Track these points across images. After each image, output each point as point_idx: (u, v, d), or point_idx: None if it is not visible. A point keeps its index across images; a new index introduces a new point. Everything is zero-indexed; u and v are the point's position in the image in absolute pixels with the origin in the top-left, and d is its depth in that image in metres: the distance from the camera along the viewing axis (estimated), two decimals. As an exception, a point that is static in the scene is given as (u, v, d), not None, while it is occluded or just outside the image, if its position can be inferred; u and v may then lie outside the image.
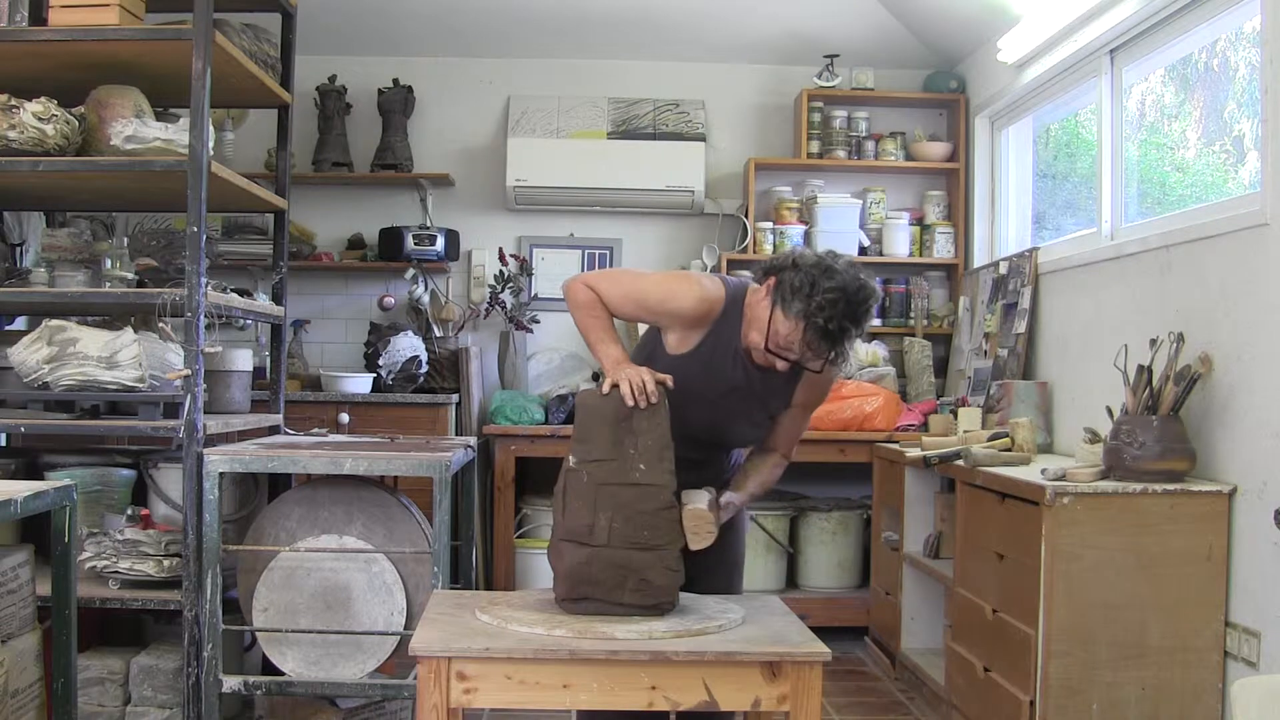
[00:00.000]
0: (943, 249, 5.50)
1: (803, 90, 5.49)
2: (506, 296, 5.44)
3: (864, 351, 5.25)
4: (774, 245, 5.46)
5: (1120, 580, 3.06)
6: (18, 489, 2.40)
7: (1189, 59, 3.90)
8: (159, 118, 3.38)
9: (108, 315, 3.48)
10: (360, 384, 5.12)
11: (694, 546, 2.35)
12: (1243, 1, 3.39)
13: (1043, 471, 3.28)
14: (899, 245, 5.50)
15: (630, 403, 2.31)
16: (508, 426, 5.00)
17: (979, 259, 5.35)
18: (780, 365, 2.47)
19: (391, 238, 5.41)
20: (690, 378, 2.52)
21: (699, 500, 2.40)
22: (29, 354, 3.16)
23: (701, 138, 5.52)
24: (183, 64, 3.15)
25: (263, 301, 3.81)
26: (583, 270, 5.67)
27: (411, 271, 5.41)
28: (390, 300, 5.57)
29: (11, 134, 3.11)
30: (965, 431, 4.15)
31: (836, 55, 5.49)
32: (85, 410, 3.25)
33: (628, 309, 2.60)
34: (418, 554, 3.11)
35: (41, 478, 3.46)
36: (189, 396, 3.10)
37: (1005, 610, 3.35)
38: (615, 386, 2.34)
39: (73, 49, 3.20)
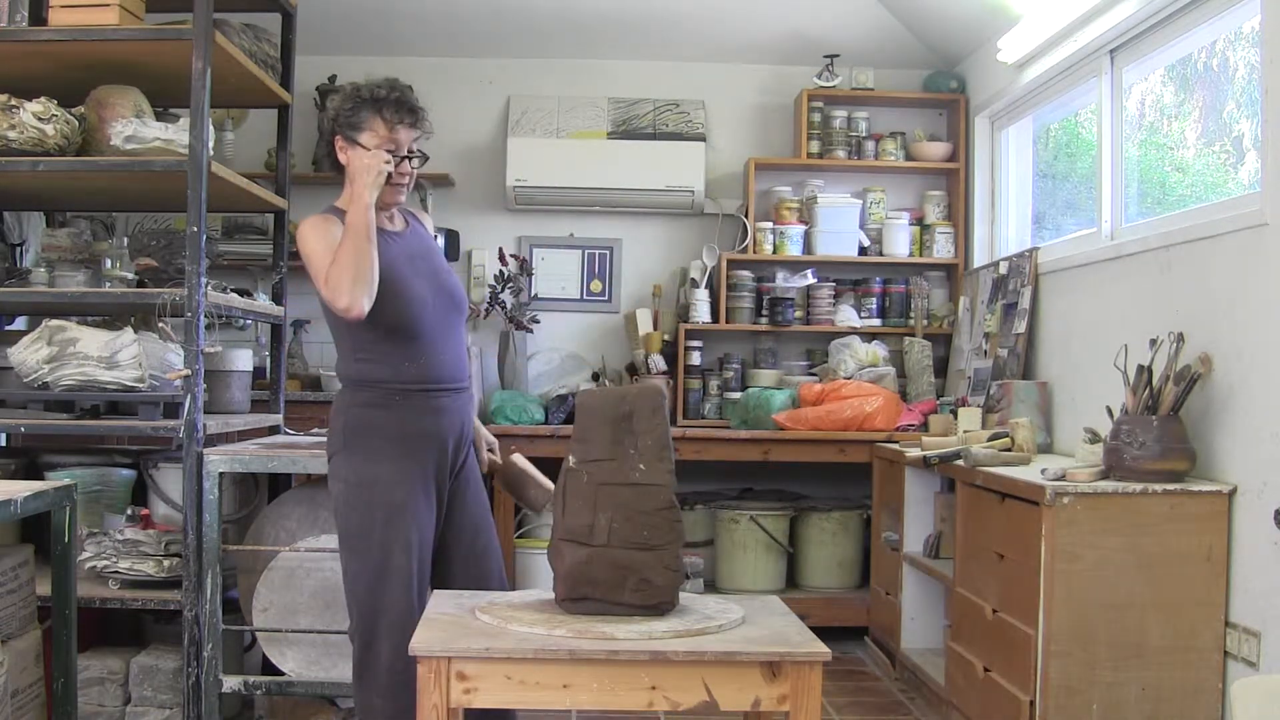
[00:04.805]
0: (943, 249, 5.50)
1: (803, 90, 5.49)
2: (506, 296, 5.43)
3: (864, 351, 5.25)
4: (774, 245, 5.46)
5: (1120, 580, 3.06)
6: (18, 489, 2.40)
7: (1189, 59, 3.90)
8: (159, 118, 3.39)
9: (108, 315, 3.48)
10: (360, 384, 5.11)
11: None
12: (1243, 1, 3.39)
13: (1043, 471, 3.28)
14: (899, 245, 5.50)
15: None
16: (508, 426, 5.00)
17: (979, 259, 5.35)
18: (407, 168, 2.72)
19: (391, 238, 5.40)
20: (409, 271, 2.72)
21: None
22: (29, 354, 3.16)
23: (701, 138, 5.52)
24: (183, 64, 3.16)
25: (263, 301, 3.82)
26: (582, 270, 5.69)
27: (411, 271, 5.40)
28: (390, 300, 5.56)
29: (11, 134, 3.11)
30: (965, 431, 4.15)
31: (836, 55, 5.49)
32: (85, 410, 3.25)
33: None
34: (418, 554, 3.10)
35: (41, 478, 3.46)
36: (189, 396, 3.11)
37: (1005, 610, 3.35)
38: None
39: (73, 49, 3.20)
